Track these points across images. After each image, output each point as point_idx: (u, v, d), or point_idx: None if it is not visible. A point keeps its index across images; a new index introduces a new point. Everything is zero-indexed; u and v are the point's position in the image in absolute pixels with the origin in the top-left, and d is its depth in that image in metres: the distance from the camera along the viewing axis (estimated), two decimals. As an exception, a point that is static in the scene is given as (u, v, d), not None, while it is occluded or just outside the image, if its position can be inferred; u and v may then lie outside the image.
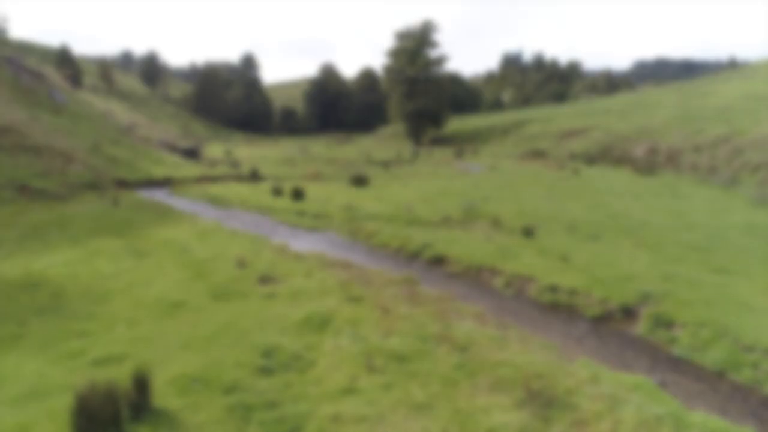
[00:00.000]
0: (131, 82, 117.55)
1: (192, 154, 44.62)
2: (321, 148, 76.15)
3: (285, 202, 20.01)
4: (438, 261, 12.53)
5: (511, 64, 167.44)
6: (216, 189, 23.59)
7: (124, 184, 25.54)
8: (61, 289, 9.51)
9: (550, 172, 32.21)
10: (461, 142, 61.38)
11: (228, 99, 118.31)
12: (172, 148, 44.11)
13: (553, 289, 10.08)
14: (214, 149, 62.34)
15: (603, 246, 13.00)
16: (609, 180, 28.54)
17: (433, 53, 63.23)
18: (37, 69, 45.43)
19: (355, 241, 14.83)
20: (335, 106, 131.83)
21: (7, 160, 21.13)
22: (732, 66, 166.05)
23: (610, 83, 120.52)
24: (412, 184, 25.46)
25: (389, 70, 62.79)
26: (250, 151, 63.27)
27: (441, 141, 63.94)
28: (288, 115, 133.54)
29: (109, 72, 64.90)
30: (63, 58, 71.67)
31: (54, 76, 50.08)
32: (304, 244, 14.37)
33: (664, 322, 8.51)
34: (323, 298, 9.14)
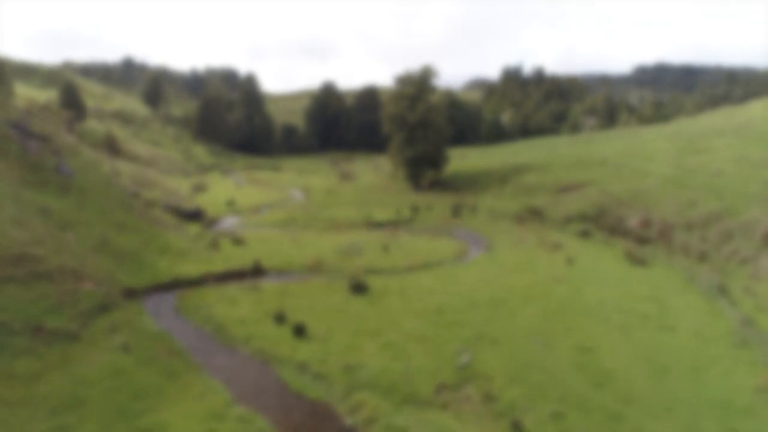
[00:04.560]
0: (133, 105, 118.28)
1: (195, 216, 45.61)
2: (323, 182, 77.02)
3: (287, 341, 20.98)
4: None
5: (512, 78, 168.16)
6: (221, 310, 24.44)
7: (132, 294, 26.53)
8: None
9: (543, 263, 33.00)
10: (460, 188, 62.35)
11: (230, 121, 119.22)
12: (177, 211, 45.09)
13: None
14: (217, 193, 63.21)
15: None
16: (601, 280, 29.42)
17: (433, 97, 64.22)
18: (42, 132, 46.27)
19: (355, 426, 15.81)
20: (336, 124, 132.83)
21: (21, 294, 22.06)
22: (730, 79, 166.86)
23: (608, 104, 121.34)
24: (412, 297, 26.35)
25: (390, 115, 63.72)
26: (253, 195, 64.24)
27: (440, 185, 64.93)
28: (289, 132, 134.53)
29: (114, 140, 66.19)
30: (68, 100, 72.51)
31: (60, 133, 50.84)
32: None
33: None
34: None
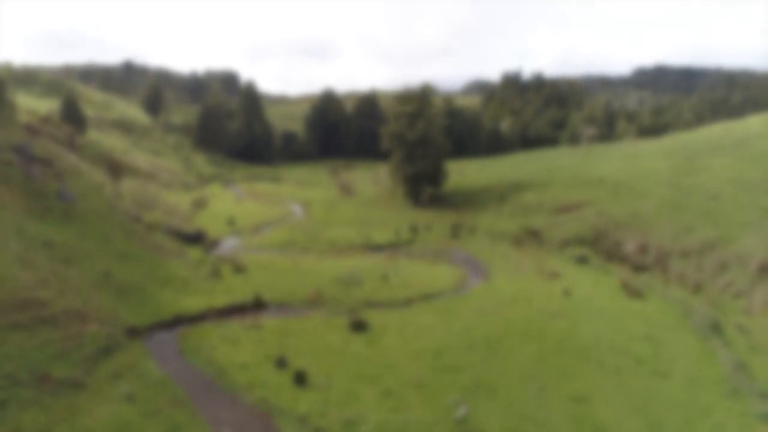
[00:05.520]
0: (133, 112, 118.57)
1: (197, 239, 46.04)
2: (322, 195, 77.29)
3: (288, 390, 21.39)
4: None
5: (511, 83, 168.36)
6: (222, 352, 24.83)
7: (134, 332, 26.95)
8: None
9: (541, 294, 33.40)
10: (459, 204, 62.81)
11: (230, 129, 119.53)
12: (178, 234, 45.50)
13: None
14: (217, 208, 63.59)
15: None
16: (597, 315, 29.85)
17: (432, 112, 64.70)
18: (44, 155, 46.65)
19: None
20: (335, 132, 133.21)
21: (27, 342, 22.44)
22: (730, 83, 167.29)
23: (607, 112, 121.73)
24: (411, 336, 26.78)
25: (390, 133, 64.16)
26: (253, 210, 64.66)
27: (440, 200, 65.43)
28: (289, 139, 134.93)
29: (114, 159, 66.93)
30: (69, 112, 73.02)
31: (61, 153, 51.28)
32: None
33: None
34: None
